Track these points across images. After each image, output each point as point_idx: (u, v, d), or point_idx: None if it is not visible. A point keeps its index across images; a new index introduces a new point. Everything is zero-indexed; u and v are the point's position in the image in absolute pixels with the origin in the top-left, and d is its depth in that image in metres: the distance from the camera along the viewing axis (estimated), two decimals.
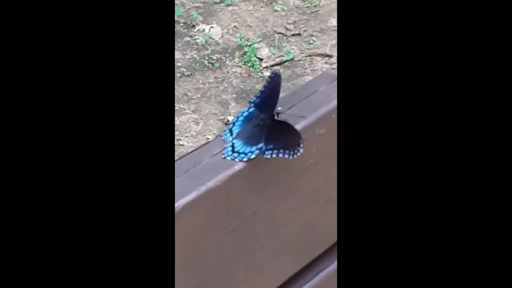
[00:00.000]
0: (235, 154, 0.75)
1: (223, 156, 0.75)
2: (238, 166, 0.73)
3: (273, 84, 0.79)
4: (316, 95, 0.81)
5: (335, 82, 0.81)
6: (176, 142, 2.05)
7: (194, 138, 2.03)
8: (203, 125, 2.08)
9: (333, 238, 0.80)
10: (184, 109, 2.13)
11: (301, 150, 0.73)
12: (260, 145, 0.74)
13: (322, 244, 0.81)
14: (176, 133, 2.08)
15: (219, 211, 0.73)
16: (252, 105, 0.79)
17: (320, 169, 0.79)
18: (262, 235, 0.77)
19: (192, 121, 2.09)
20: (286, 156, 0.74)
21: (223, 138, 0.77)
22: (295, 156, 0.73)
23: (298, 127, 0.77)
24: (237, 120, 0.79)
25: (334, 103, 0.79)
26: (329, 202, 0.79)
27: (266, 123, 0.77)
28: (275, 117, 0.78)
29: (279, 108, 0.80)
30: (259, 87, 2.15)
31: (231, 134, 0.77)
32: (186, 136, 2.06)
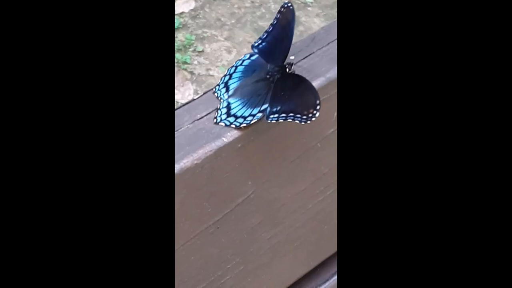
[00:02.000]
0: (231, 118, 0.56)
1: (215, 120, 0.55)
2: (227, 137, 0.54)
3: (284, 22, 0.59)
4: None
5: None
6: (205, 72, 1.89)
7: (226, 68, 1.84)
8: (236, 54, 1.91)
9: None
10: (216, 36, 1.96)
11: (317, 114, 0.53)
12: (264, 107, 0.55)
13: None
14: (206, 62, 1.92)
15: (199, 197, 0.54)
16: (255, 50, 0.60)
17: None
18: (259, 227, 0.58)
19: (224, 49, 1.92)
20: (297, 121, 0.54)
21: (216, 94, 0.57)
22: (308, 122, 0.54)
23: (314, 84, 0.57)
24: (235, 71, 0.60)
25: None
26: None
27: (274, 77, 0.57)
28: (287, 70, 0.58)
29: (292, 57, 0.60)
30: (300, 14, 1.94)
31: (227, 90, 0.58)
32: (217, 66, 1.90)
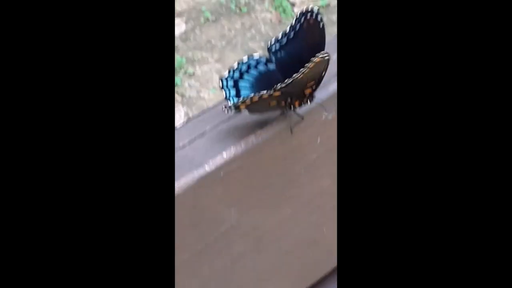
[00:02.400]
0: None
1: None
2: (209, 166, 0.53)
3: (310, 41, 0.52)
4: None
5: None
6: (196, 94, 1.89)
7: (217, 91, 1.84)
8: None
9: None
10: (207, 58, 1.96)
11: None
12: None
13: (326, 263, 0.61)
14: (197, 84, 1.91)
15: (181, 228, 0.53)
16: (273, 58, 0.54)
17: (326, 166, 0.59)
18: (243, 256, 0.57)
19: (215, 71, 1.91)
20: None
21: (223, 92, 0.54)
22: None
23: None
24: (247, 70, 0.54)
25: None
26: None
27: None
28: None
29: None
30: None
31: (238, 96, 0.54)
32: (208, 88, 1.89)
